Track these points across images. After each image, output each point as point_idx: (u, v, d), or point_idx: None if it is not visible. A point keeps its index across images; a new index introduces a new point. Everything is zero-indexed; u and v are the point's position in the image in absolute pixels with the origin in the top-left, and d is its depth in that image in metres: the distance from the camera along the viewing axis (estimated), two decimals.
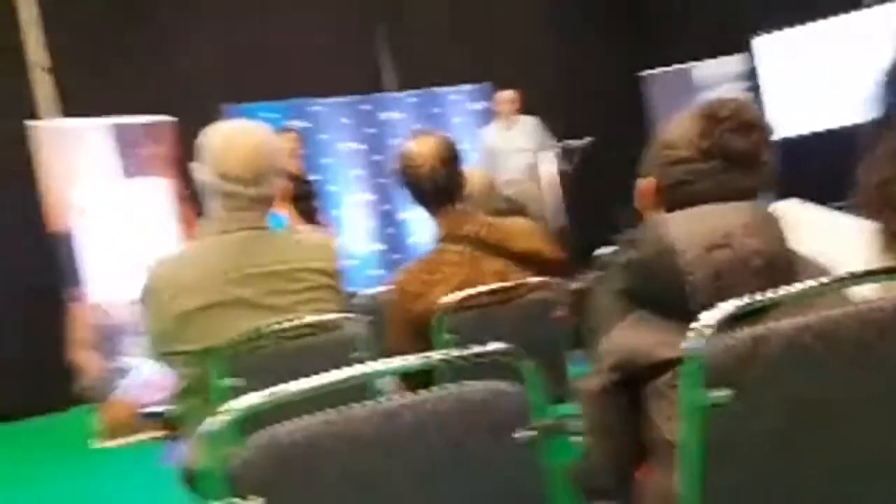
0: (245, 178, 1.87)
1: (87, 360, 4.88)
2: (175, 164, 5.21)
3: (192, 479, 1.97)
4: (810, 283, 1.09)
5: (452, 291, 2.10)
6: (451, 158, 2.23)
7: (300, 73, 6.74)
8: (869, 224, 1.52)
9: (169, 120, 5.25)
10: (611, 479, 1.51)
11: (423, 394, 0.93)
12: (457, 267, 2.17)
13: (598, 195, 6.73)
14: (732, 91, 6.86)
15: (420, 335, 2.09)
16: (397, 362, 0.94)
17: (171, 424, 4.62)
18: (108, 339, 4.91)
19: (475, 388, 0.94)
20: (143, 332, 1.96)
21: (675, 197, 1.38)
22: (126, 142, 5.03)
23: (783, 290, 1.07)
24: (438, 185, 2.21)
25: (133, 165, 5.05)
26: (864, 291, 1.28)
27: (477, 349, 0.95)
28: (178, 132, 5.24)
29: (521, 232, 2.31)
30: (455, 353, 0.94)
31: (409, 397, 0.92)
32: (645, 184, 1.47)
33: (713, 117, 1.35)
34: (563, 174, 6.21)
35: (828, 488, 1.12)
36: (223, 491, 0.87)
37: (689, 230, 1.26)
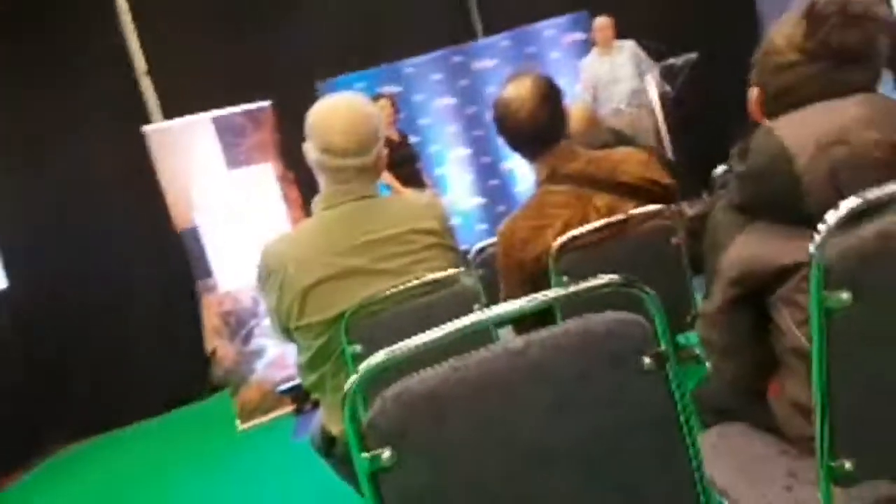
0: (348, 149, 1.90)
1: (222, 347, 5.14)
2: (278, 148, 5.36)
3: (325, 444, 2.06)
4: None
5: (562, 233, 2.05)
6: (550, 96, 2.13)
7: (389, 36, 6.70)
8: None
9: (266, 105, 5.38)
10: (736, 399, 1.48)
11: (546, 330, 0.94)
12: (564, 208, 2.11)
13: (709, 115, 6.42)
14: None
15: (534, 282, 2.07)
16: (518, 304, 0.95)
17: (298, 399, 4.84)
18: (241, 325, 5.14)
19: (598, 319, 0.93)
20: (265, 311, 2.04)
21: (785, 104, 1.31)
22: (229, 132, 5.20)
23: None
24: (540, 128, 2.12)
25: (239, 155, 5.22)
26: None
27: (595, 282, 0.94)
28: (277, 115, 5.37)
29: (629, 161, 2.20)
30: (574, 288, 0.93)
31: (534, 335, 0.93)
32: (754, 94, 1.41)
33: (818, 15, 1.27)
34: (664, 96, 5.96)
35: None
36: (359, 447, 0.91)
37: (802, 132, 1.20)
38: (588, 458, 0.95)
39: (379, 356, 0.93)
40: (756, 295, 1.31)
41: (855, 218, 1.00)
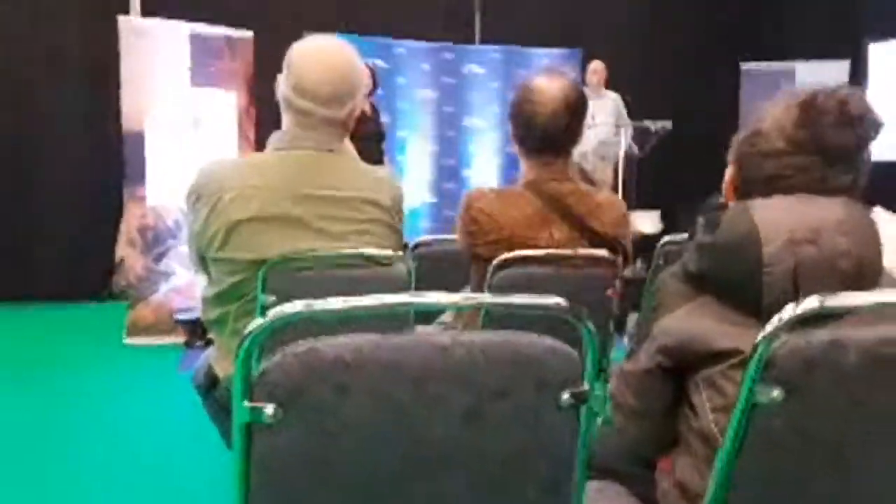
0: (318, 94, 1.79)
1: (131, 258, 4.95)
2: (249, 81, 5.20)
3: (206, 382, 1.96)
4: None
5: (510, 236, 2.02)
6: (577, 108, 2.06)
7: (390, 10, 6.64)
8: None
9: (248, 35, 5.21)
10: (626, 462, 1.45)
11: (477, 334, 0.88)
12: (526, 217, 2.05)
13: (665, 186, 6.52)
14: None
15: (479, 261, 2.02)
16: (449, 298, 0.88)
17: (193, 332, 4.72)
18: (157, 242, 4.96)
19: (533, 340, 0.88)
20: (188, 232, 1.90)
21: (763, 189, 1.28)
22: (204, 49, 5.01)
23: (862, 297, 0.99)
24: (551, 133, 2.05)
25: (207, 75, 5.03)
26: None
27: (541, 300, 0.88)
28: (256, 49, 5.21)
29: (608, 212, 2.15)
30: (515, 299, 0.87)
31: (463, 335, 0.86)
32: (730, 173, 1.38)
33: (815, 107, 1.24)
34: (630, 156, 5.99)
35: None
36: (243, 393, 0.84)
37: (778, 220, 1.17)
38: (482, 474, 0.90)
39: (296, 306, 0.85)
40: (682, 368, 1.28)
41: (803, 320, 0.97)
